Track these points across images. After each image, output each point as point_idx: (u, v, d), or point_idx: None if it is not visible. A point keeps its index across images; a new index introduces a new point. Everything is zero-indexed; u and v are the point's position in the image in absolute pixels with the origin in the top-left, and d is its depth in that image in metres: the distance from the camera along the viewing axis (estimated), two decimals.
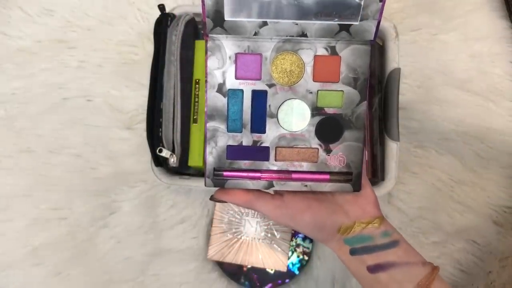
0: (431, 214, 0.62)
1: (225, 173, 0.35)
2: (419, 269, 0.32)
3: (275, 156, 0.35)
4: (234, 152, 0.34)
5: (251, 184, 0.34)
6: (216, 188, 0.36)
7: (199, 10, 0.54)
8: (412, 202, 0.62)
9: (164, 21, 0.50)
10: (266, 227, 0.59)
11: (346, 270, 0.60)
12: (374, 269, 0.33)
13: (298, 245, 0.60)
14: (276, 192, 0.36)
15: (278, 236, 0.59)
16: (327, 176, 0.34)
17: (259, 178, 0.35)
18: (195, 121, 0.50)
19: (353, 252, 0.34)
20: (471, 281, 0.61)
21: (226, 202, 0.35)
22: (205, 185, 0.35)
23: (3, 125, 0.65)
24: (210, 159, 0.34)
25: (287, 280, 0.59)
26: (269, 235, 0.59)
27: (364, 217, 0.34)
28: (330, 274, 0.61)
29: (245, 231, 0.60)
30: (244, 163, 0.35)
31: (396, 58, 0.53)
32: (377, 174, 0.54)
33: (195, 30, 0.54)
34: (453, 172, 0.63)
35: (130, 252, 0.62)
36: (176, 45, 0.49)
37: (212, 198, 0.36)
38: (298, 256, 0.60)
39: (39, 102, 0.65)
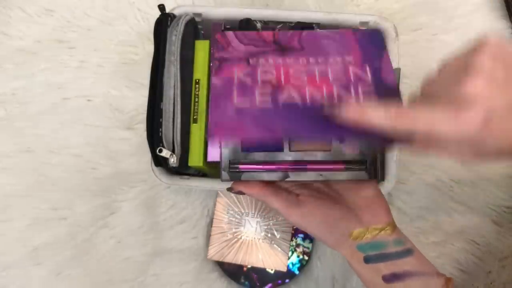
0: (431, 214, 0.62)
1: (240, 166, 0.35)
2: (435, 280, 0.31)
3: (289, 147, 0.34)
4: (249, 144, 0.34)
5: (266, 176, 0.34)
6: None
7: (199, 10, 0.54)
8: (412, 202, 0.62)
9: (164, 21, 0.50)
10: (266, 227, 0.59)
11: (346, 270, 0.60)
12: (390, 278, 0.31)
13: (298, 245, 0.60)
14: (292, 192, 0.36)
15: (278, 236, 0.59)
16: (343, 165, 0.34)
17: (274, 169, 0.34)
18: (195, 121, 0.50)
19: (367, 260, 0.32)
20: (471, 281, 0.61)
21: (243, 194, 0.35)
22: (221, 179, 0.34)
23: (3, 125, 0.65)
24: (226, 152, 0.34)
25: (287, 280, 0.59)
26: (269, 235, 0.59)
27: (376, 223, 0.33)
28: (330, 274, 0.61)
29: (245, 231, 0.60)
30: (259, 155, 0.34)
31: (396, 58, 0.53)
32: (377, 174, 0.53)
33: (195, 30, 0.54)
34: (453, 172, 0.63)
35: (130, 252, 0.62)
36: (176, 45, 0.49)
37: (229, 189, 0.36)
38: (298, 256, 0.60)
39: (39, 102, 0.65)
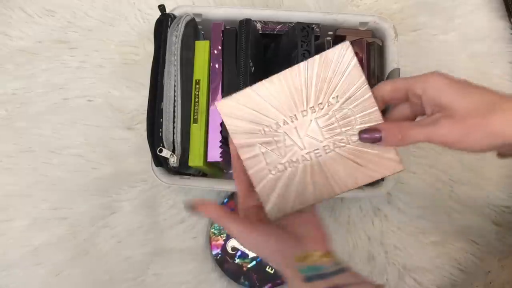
0: (430, 214, 0.62)
1: None
2: (368, 286, 0.34)
3: None
4: None
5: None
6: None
7: (199, 10, 0.54)
8: (412, 202, 0.62)
9: (164, 22, 0.50)
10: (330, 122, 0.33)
11: None
12: None
13: None
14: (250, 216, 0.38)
15: (359, 124, 0.33)
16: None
17: None
18: (195, 121, 0.50)
19: (308, 279, 0.35)
20: (470, 281, 0.61)
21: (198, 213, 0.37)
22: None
23: (4, 125, 0.65)
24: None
25: None
26: (343, 130, 0.33)
27: (317, 250, 0.37)
28: None
29: (297, 149, 0.34)
30: None
31: (395, 58, 0.53)
32: None
33: (195, 31, 0.54)
34: (452, 172, 0.63)
35: (131, 252, 0.62)
36: (176, 45, 0.49)
37: (186, 208, 0.38)
38: None
39: (40, 102, 0.65)
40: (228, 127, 0.34)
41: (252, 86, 0.33)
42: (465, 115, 0.30)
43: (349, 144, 0.33)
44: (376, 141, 0.32)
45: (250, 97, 0.33)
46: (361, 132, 0.33)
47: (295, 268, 0.36)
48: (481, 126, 0.29)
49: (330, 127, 0.34)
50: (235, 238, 0.36)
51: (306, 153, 0.34)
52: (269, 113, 0.34)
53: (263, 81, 0.33)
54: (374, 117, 0.33)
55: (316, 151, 0.34)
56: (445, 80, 0.31)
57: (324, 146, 0.34)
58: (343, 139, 0.33)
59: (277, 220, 0.36)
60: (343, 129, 0.33)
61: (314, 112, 0.33)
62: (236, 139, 0.34)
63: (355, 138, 0.33)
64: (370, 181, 0.34)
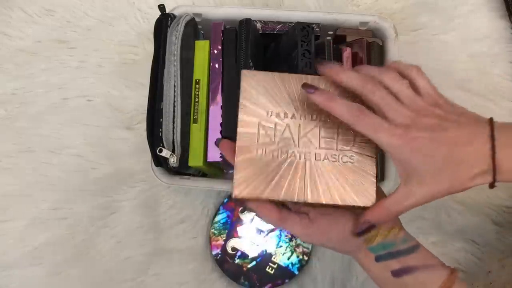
0: (431, 214, 0.62)
1: None
2: (441, 271, 0.34)
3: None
4: None
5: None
6: None
7: (199, 10, 0.54)
8: None
9: (164, 21, 0.50)
10: (330, 135, 0.35)
11: (346, 270, 0.60)
12: (399, 273, 0.34)
13: (298, 246, 0.60)
14: (302, 211, 0.36)
15: (355, 150, 0.35)
16: None
17: None
18: (195, 121, 0.50)
19: (378, 258, 0.35)
20: (470, 281, 0.61)
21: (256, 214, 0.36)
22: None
23: (3, 125, 0.65)
24: None
25: (286, 280, 0.59)
26: (336, 147, 0.35)
27: (385, 225, 0.36)
28: (330, 274, 0.61)
29: (295, 147, 0.35)
30: None
31: (395, 58, 0.53)
32: (377, 174, 0.54)
33: (195, 30, 0.54)
34: None
35: (130, 252, 0.62)
36: (176, 45, 0.49)
37: (245, 208, 0.37)
38: (298, 256, 0.60)
39: (39, 102, 0.65)
40: (242, 93, 0.34)
41: (291, 73, 0.35)
42: (430, 180, 0.32)
43: (338, 162, 0.34)
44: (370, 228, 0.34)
45: (283, 78, 0.34)
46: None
47: (364, 248, 0.36)
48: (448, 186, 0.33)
49: (330, 140, 0.34)
50: (298, 237, 0.36)
51: (297, 151, 0.34)
52: (283, 102, 0.34)
53: (300, 74, 0.34)
54: (369, 149, 0.34)
55: (307, 154, 0.34)
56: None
57: (316, 153, 0.34)
58: (335, 155, 0.34)
59: (239, 200, 0.34)
60: (339, 147, 0.34)
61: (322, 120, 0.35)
62: (243, 107, 0.34)
63: (346, 159, 0.34)
64: (342, 203, 0.34)
